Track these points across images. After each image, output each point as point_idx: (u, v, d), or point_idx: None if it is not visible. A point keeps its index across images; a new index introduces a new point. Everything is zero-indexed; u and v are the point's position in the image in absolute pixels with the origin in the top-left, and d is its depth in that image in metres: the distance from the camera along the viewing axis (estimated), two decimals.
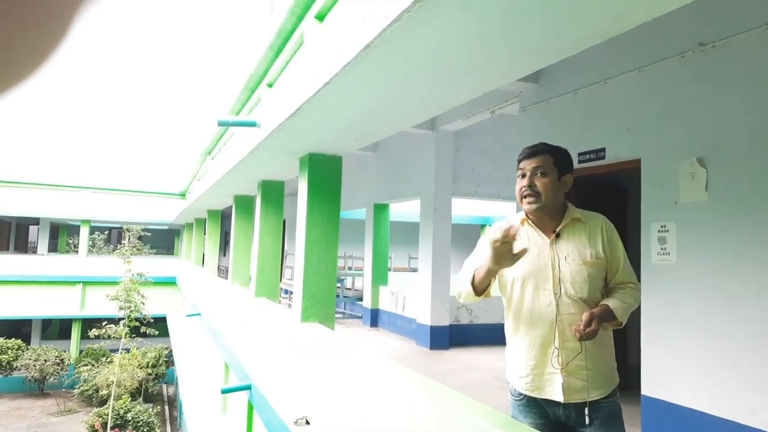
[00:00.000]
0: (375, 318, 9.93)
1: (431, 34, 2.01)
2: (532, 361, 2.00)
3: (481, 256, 2.11)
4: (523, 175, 2.09)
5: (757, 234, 3.40)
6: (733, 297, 3.51)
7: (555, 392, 1.96)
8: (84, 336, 16.44)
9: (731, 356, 3.49)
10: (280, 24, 3.35)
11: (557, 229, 2.07)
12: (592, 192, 4.86)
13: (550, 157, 2.08)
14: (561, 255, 2.03)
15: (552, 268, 2.01)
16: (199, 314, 9.06)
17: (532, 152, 2.10)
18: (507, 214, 2.26)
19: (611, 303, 1.96)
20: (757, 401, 3.31)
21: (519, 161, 2.13)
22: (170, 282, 17.86)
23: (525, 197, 2.07)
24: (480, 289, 2.04)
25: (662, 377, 3.94)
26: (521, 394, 2.06)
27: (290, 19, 3.26)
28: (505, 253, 1.86)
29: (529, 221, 2.12)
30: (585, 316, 1.88)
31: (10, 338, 16.64)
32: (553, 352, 1.96)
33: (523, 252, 1.88)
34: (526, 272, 2.03)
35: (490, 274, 1.97)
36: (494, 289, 2.13)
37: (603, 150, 4.59)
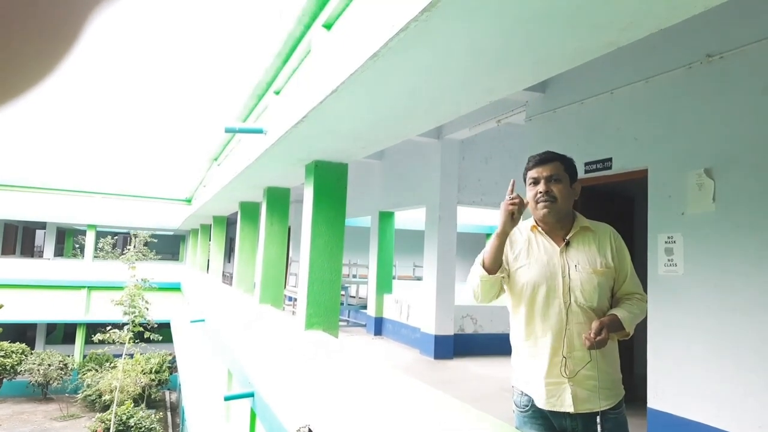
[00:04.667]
0: (379, 326, 9.89)
1: (438, 43, 2.01)
2: (542, 370, 1.98)
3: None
4: (536, 182, 2.09)
5: (765, 245, 3.37)
6: (740, 309, 3.47)
7: (565, 403, 1.94)
8: (88, 341, 16.49)
9: (738, 369, 3.45)
10: (288, 32, 3.37)
11: (567, 238, 2.06)
12: (598, 202, 4.84)
13: (561, 165, 2.10)
14: (571, 263, 2.02)
15: (562, 276, 2.01)
16: (203, 320, 9.05)
17: (543, 159, 2.10)
18: None
19: (619, 313, 1.95)
20: (765, 415, 3.27)
21: (529, 169, 2.12)
22: (175, 288, 17.88)
23: (540, 202, 2.06)
24: (492, 266, 2.00)
25: (668, 390, 3.90)
26: (527, 405, 2.04)
27: (298, 28, 3.28)
28: (516, 209, 1.95)
29: (539, 229, 2.11)
30: (595, 324, 1.88)
31: (14, 342, 16.68)
32: (561, 360, 1.95)
33: (527, 204, 1.99)
34: (537, 280, 2.02)
35: (501, 237, 1.97)
36: (506, 288, 2.11)
37: (610, 160, 4.57)
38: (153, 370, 15.94)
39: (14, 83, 0.29)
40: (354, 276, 12.80)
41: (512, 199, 1.96)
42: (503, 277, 2.06)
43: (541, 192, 2.05)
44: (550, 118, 5.32)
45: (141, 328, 13.58)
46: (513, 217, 1.96)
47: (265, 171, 5.38)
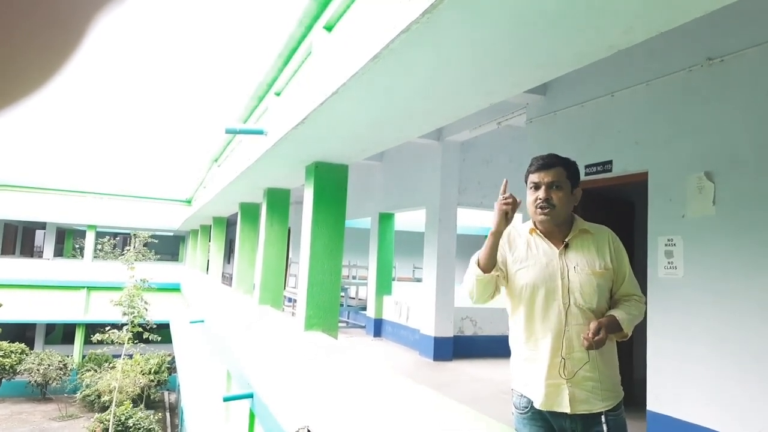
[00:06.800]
0: (378, 328, 9.89)
1: (439, 45, 2.01)
2: (542, 372, 1.99)
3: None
4: (537, 187, 2.07)
5: (764, 248, 3.37)
6: (740, 312, 3.47)
7: (562, 403, 1.95)
8: (87, 341, 16.47)
9: (739, 372, 3.45)
10: (289, 33, 3.38)
11: (566, 240, 2.07)
12: (598, 205, 4.84)
13: (564, 171, 2.08)
14: (570, 265, 2.03)
15: (561, 278, 2.01)
16: (203, 321, 9.05)
17: (546, 164, 2.08)
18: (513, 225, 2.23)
19: (617, 314, 1.96)
20: (764, 419, 3.27)
21: (531, 172, 2.11)
22: (174, 288, 17.88)
23: (540, 209, 2.05)
24: (487, 265, 1.99)
25: (668, 392, 3.90)
26: (526, 407, 2.04)
27: (299, 29, 3.28)
28: (510, 209, 1.96)
29: (538, 232, 2.12)
30: (592, 324, 1.89)
31: (13, 342, 16.66)
32: (560, 362, 1.95)
33: (519, 203, 1.99)
34: (536, 282, 2.03)
35: (496, 236, 1.99)
36: (501, 288, 2.11)
37: (610, 162, 4.58)
38: (152, 371, 15.92)
39: (17, 86, 0.29)
40: (354, 277, 12.79)
41: (505, 198, 1.97)
42: (498, 276, 2.05)
43: (540, 198, 2.04)
44: (550, 120, 5.32)
45: (140, 329, 13.57)
46: (507, 217, 1.98)
47: (265, 172, 5.39)
